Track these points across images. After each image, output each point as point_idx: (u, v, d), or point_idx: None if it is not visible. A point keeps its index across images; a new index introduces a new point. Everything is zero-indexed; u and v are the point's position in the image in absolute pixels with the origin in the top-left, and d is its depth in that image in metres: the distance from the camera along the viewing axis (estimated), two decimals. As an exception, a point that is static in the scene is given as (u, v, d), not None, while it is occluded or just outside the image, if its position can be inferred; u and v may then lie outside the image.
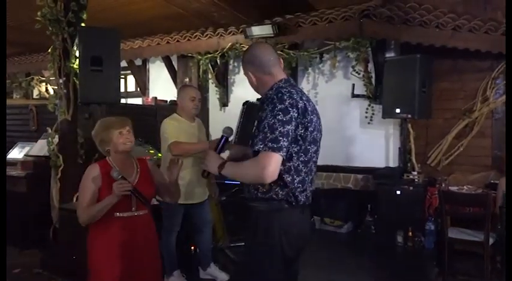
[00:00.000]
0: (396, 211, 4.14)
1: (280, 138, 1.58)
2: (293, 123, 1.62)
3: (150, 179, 2.30)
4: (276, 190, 1.69)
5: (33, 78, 7.63)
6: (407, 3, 4.40)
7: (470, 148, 4.56)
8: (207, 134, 4.04)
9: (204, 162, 1.81)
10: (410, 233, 4.13)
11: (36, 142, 4.62)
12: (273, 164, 1.58)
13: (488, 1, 4.42)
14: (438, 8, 4.32)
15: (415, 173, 4.42)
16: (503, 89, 4.40)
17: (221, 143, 1.87)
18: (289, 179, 1.66)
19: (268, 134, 1.59)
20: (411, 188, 4.15)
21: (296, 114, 1.62)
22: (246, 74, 1.85)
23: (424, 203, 4.16)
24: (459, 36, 4.07)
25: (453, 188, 3.93)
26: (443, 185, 4.16)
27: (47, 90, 7.52)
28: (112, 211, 2.14)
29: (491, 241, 3.38)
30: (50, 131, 3.76)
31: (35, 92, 7.92)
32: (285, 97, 1.64)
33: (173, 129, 3.15)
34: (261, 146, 1.59)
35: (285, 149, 1.59)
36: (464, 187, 3.94)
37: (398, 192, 4.14)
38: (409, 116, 4.25)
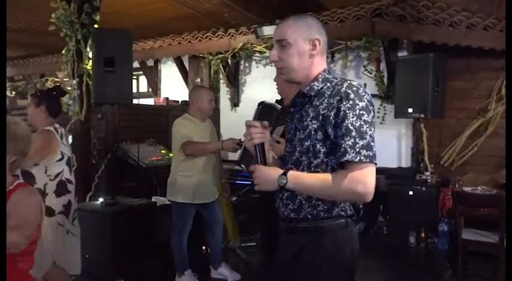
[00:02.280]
0: (409, 212, 4.09)
1: (372, 143, 1.31)
2: (374, 125, 1.35)
3: None
4: (342, 205, 1.40)
5: (47, 80, 7.73)
6: (420, 2, 4.35)
7: (484, 148, 4.49)
8: (218, 134, 4.06)
9: (255, 181, 1.42)
10: (423, 234, 4.09)
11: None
12: (372, 177, 1.30)
13: (503, -1, 4.36)
14: (451, 6, 4.27)
15: (428, 173, 4.37)
16: (518, 88, 4.33)
17: (259, 152, 1.46)
18: None
19: (358, 140, 1.29)
20: (424, 188, 4.11)
21: (372, 116, 1.36)
22: (304, 41, 1.42)
23: (437, 204, 4.11)
24: (473, 34, 4.01)
25: (467, 189, 3.87)
26: (456, 186, 4.10)
27: (60, 91, 7.61)
28: None
29: (505, 242, 3.33)
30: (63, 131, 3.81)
31: (49, 93, 8.02)
32: (362, 92, 1.35)
33: (185, 129, 3.17)
34: (353, 155, 1.28)
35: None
36: (478, 188, 3.88)
37: (410, 192, 4.10)
38: (422, 115, 4.20)
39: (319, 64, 1.47)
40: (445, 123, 4.62)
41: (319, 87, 1.43)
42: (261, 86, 5.51)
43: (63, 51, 3.69)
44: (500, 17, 4.06)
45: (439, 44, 4.15)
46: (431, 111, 4.14)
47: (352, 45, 4.77)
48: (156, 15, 5.27)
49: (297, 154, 1.43)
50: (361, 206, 1.46)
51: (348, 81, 1.39)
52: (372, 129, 1.34)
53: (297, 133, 1.45)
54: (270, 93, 2.92)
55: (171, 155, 3.78)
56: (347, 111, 1.32)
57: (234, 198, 4.36)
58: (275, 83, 2.55)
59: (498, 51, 4.04)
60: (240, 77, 6.01)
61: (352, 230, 1.46)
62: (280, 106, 2.53)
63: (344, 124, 1.31)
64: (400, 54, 4.63)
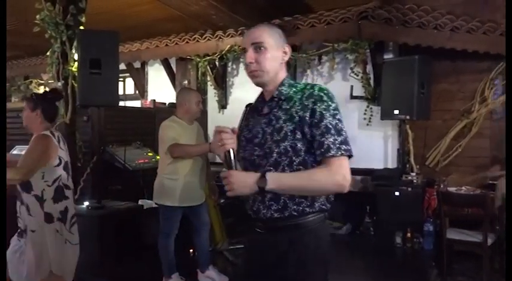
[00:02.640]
0: (395, 212, 4.14)
1: (348, 139, 1.44)
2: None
3: None
4: (321, 200, 1.49)
5: (31, 82, 7.62)
6: (405, 5, 4.41)
7: (468, 149, 4.56)
8: (206, 136, 4.04)
9: (230, 187, 1.40)
10: (409, 234, 4.13)
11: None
12: (348, 169, 1.41)
13: (487, 2, 4.43)
14: (436, 9, 4.34)
15: (414, 174, 4.42)
16: (501, 90, 4.41)
17: (232, 157, 1.45)
18: None
19: (337, 136, 1.41)
20: (410, 189, 4.16)
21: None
22: (277, 48, 1.52)
23: (423, 204, 4.16)
24: (457, 37, 4.08)
25: (452, 189, 3.93)
26: (441, 186, 4.16)
27: (45, 93, 7.50)
28: None
29: (489, 241, 3.38)
30: (48, 134, 3.75)
31: (34, 95, 7.90)
32: (331, 95, 1.48)
33: (173, 131, 3.15)
34: (336, 151, 1.39)
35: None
36: (463, 188, 3.94)
37: (397, 193, 4.15)
38: (408, 117, 4.26)
39: (283, 71, 1.58)
40: (430, 124, 4.68)
41: (287, 92, 1.53)
42: (248, 88, 5.41)
43: (48, 53, 3.64)
44: (484, 20, 4.14)
45: (425, 47, 4.21)
46: (417, 113, 4.20)
47: (339, 48, 4.81)
48: (142, 17, 5.24)
49: (274, 155, 1.47)
50: (332, 198, 1.54)
51: (317, 85, 1.51)
52: (344, 126, 1.47)
53: (269, 137, 1.50)
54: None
55: (158, 157, 3.76)
56: (323, 112, 1.43)
57: (222, 200, 4.34)
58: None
59: (482, 54, 4.12)
60: (227, 79, 6.01)
61: (326, 225, 1.58)
62: None
63: (322, 123, 1.42)
64: (386, 56, 4.69)
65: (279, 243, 1.49)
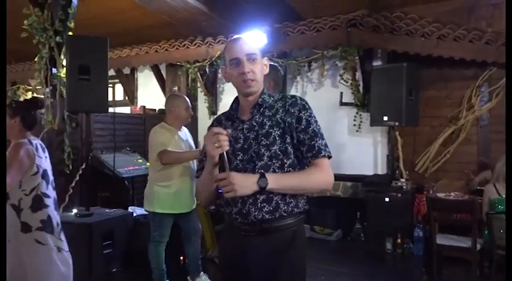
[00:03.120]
0: (385, 218, 4.16)
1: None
2: None
3: None
4: (302, 200, 1.62)
5: (19, 88, 7.52)
6: (393, 13, 4.48)
7: (456, 155, 4.62)
8: (196, 143, 4.03)
9: (231, 188, 1.42)
10: (399, 240, 4.15)
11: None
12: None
13: (472, 11, 4.53)
14: (423, 17, 4.40)
15: (403, 180, 4.46)
16: (487, 97, 4.49)
17: (225, 159, 1.46)
18: None
19: (322, 140, 1.57)
20: (399, 195, 4.19)
21: None
22: (258, 62, 1.60)
23: (413, 210, 4.19)
24: (444, 45, 4.15)
25: (440, 195, 3.97)
26: (430, 192, 4.20)
27: (33, 99, 7.42)
28: None
29: (478, 246, 3.42)
30: (36, 140, 3.70)
31: (21, 101, 7.81)
32: (309, 105, 1.63)
33: (162, 137, 3.13)
34: (326, 152, 1.56)
35: None
36: (452, 194, 3.99)
37: (387, 199, 4.17)
38: (397, 123, 4.30)
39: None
40: (419, 131, 4.73)
41: (268, 101, 1.64)
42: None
43: (36, 59, 3.60)
44: (470, 28, 4.22)
45: (412, 54, 4.27)
46: (406, 120, 4.24)
47: (328, 55, 4.85)
48: (132, 23, 5.22)
49: (265, 158, 1.55)
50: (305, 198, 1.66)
51: (297, 96, 1.66)
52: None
53: (253, 142, 1.57)
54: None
55: (148, 164, 3.73)
56: (309, 119, 1.58)
57: (212, 207, 4.32)
58: None
59: (468, 61, 4.19)
60: (217, 86, 6.02)
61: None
62: None
63: (310, 129, 1.56)
64: (375, 63, 4.73)
65: (272, 244, 1.54)
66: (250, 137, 1.58)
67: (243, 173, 1.53)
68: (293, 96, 1.64)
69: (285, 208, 1.54)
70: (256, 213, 1.52)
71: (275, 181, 1.48)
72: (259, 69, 1.60)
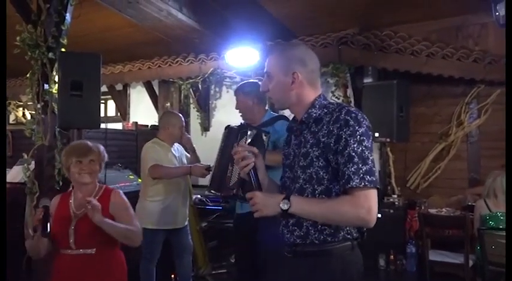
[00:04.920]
0: (378, 234, 4.11)
1: (374, 168, 1.34)
2: (372, 149, 1.39)
3: (107, 215, 2.01)
4: (347, 229, 1.42)
5: (10, 103, 7.48)
6: (382, 32, 4.57)
7: (447, 171, 4.66)
8: (187, 159, 4.01)
9: (256, 208, 1.40)
10: (392, 257, 4.14)
11: (11, 168, 4.49)
12: (375, 202, 1.33)
13: (460, 30, 4.64)
14: (413, 36, 4.50)
15: (395, 196, 4.47)
16: (476, 114, 4.56)
17: (253, 177, 1.46)
18: None
19: (361, 165, 1.31)
20: (392, 211, 4.19)
21: (371, 139, 1.39)
22: (285, 74, 1.47)
23: (405, 226, 4.19)
24: (433, 63, 4.23)
25: (432, 211, 3.98)
26: (422, 208, 4.21)
27: (24, 115, 7.38)
28: (59, 247, 2.01)
29: (470, 263, 3.42)
30: (26, 157, 3.66)
31: (11, 117, 7.76)
32: (360, 118, 1.37)
33: (155, 153, 3.12)
34: (358, 182, 1.30)
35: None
36: (443, 210, 4.00)
37: (379, 215, 4.15)
38: (388, 140, 4.33)
39: (310, 92, 1.51)
40: (410, 147, 4.78)
41: (317, 114, 1.46)
42: (231, 110, 5.44)
43: (28, 75, 3.59)
44: (458, 46, 4.31)
45: (402, 71, 4.34)
46: (397, 136, 4.28)
47: (320, 72, 4.90)
48: (125, 40, 5.25)
49: (300, 181, 1.44)
50: (365, 229, 1.48)
51: (346, 108, 1.41)
52: (372, 154, 1.37)
53: (297, 160, 1.47)
54: (240, 118, 2.95)
55: (139, 180, 3.70)
56: (348, 139, 1.34)
57: (204, 224, 4.28)
58: (237, 110, 2.80)
59: (456, 79, 4.27)
60: (210, 102, 6.03)
61: (358, 253, 1.49)
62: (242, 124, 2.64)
63: (346, 151, 1.33)
64: (365, 80, 4.80)
65: (300, 268, 1.45)
66: (296, 154, 1.48)
67: (287, 191, 1.46)
68: (340, 109, 1.41)
69: (316, 235, 1.41)
70: (288, 236, 1.47)
71: (297, 205, 1.36)
72: (273, 86, 1.50)
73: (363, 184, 1.31)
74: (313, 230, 1.41)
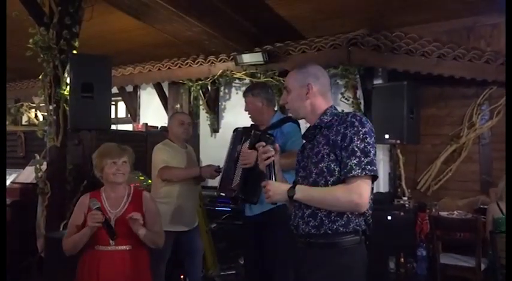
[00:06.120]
0: (387, 237, 4.10)
1: (375, 161, 1.56)
2: (375, 146, 1.61)
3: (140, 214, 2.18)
4: (356, 220, 1.59)
5: (22, 105, 7.59)
6: (393, 33, 4.54)
7: (458, 173, 4.60)
8: (198, 160, 4.03)
9: (268, 194, 1.63)
10: (402, 259, 4.10)
11: (23, 168, 4.55)
12: (368, 189, 1.54)
13: (472, 31, 4.59)
14: (423, 37, 4.46)
15: (406, 198, 4.43)
16: (488, 115, 4.50)
17: (270, 170, 1.70)
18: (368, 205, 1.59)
19: (363, 158, 1.53)
20: (402, 213, 4.15)
21: (374, 139, 1.61)
22: (301, 86, 1.72)
23: (415, 229, 4.15)
24: (444, 64, 4.19)
25: (443, 214, 3.94)
26: (433, 210, 4.17)
27: (36, 116, 7.48)
28: (93, 244, 2.11)
29: (482, 266, 3.37)
30: (38, 157, 3.71)
31: (24, 119, 7.87)
32: (364, 121, 1.60)
33: (165, 154, 3.14)
34: (359, 171, 1.51)
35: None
36: (455, 212, 3.96)
37: (389, 217, 4.14)
38: (398, 141, 4.30)
39: (322, 102, 1.74)
40: (420, 149, 4.73)
41: (328, 120, 1.70)
42: (240, 112, 5.44)
43: (40, 77, 3.64)
44: (469, 47, 4.26)
45: (413, 73, 4.31)
46: (407, 138, 4.24)
47: (329, 73, 4.86)
48: (136, 42, 5.30)
49: (314, 175, 1.64)
50: (371, 220, 1.65)
51: (352, 113, 1.68)
52: (374, 149, 1.58)
53: (310, 160, 1.68)
54: (249, 119, 2.96)
55: (149, 181, 3.72)
56: (352, 137, 1.56)
57: (214, 225, 4.29)
58: (247, 112, 2.85)
59: (468, 80, 4.22)
60: (219, 103, 6.05)
61: (364, 249, 1.66)
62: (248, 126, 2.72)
63: (350, 147, 1.55)
64: (375, 82, 4.77)
65: (312, 258, 1.62)
66: (310, 155, 1.70)
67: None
68: (347, 114, 1.67)
69: (329, 225, 1.58)
70: (303, 226, 1.64)
71: (302, 192, 1.59)
72: (291, 99, 1.75)
73: (364, 173, 1.52)
74: (327, 220, 1.58)
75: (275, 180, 1.67)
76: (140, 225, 2.11)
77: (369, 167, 1.52)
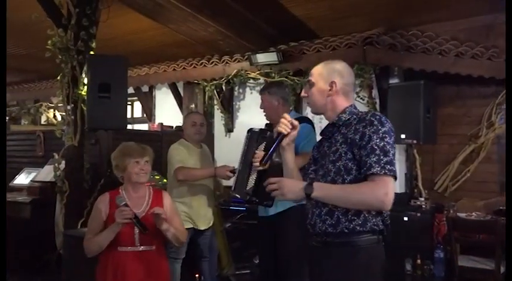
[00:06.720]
0: (404, 238, 4.05)
1: (394, 161, 1.53)
2: (395, 146, 1.58)
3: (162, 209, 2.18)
4: (374, 220, 1.57)
5: (41, 105, 7.74)
6: (409, 31, 4.47)
7: (477, 174, 4.51)
8: (213, 160, 4.04)
9: (281, 191, 1.59)
10: (419, 261, 4.04)
11: (42, 167, 4.64)
12: (392, 189, 1.51)
13: (491, 28, 4.49)
14: (440, 35, 4.39)
15: (422, 199, 4.37)
16: (508, 115, 4.41)
17: (277, 141, 1.66)
18: None
19: (382, 157, 1.50)
20: (419, 214, 4.09)
21: (394, 139, 1.59)
22: (325, 82, 1.69)
23: (432, 230, 4.09)
24: (462, 62, 4.11)
25: (461, 215, 3.87)
26: (451, 212, 4.10)
27: (54, 116, 7.63)
28: (115, 245, 2.09)
29: (502, 269, 3.30)
30: (56, 156, 3.78)
31: (43, 119, 8.03)
32: (384, 120, 1.58)
33: (180, 154, 3.16)
34: (379, 169, 1.48)
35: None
36: (473, 214, 3.88)
37: (405, 218, 4.08)
38: (415, 141, 4.24)
39: (343, 100, 1.71)
40: (437, 149, 4.65)
41: (347, 118, 1.67)
42: (255, 111, 5.47)
43: (58, 77, 3.71)
44: (488, 45, 4.17)
45: (429, 72, 4.24)
46: (424, 138, 4.18)
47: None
48: (151, 42, 5.35)
49: (332, 174, 1.61)
50: (388, 221, 1.62)
51: (372, 112, 1.68)
52: (394, 150, 1.55)
53: (327, 158, 1.66)
54: (264, 119, 2.96)
55: (165, 181, 3.75)
56: (372, 135, 1.54)
57: (228, 224, 4.30)
58: (262, 110, 2.85)
59: (487, 79, 4.14)
60: (234, 103, 6.06)
61: (382, 248, 1.64)
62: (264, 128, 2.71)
63: (369, 145, 1.52)
64: (391, 81, 4.71)
65: (328, 257, 1.59)
66: (327, 153, 1.68)
67: None
68: (367, 113, 1.65)
69: (346, 223, 1.55)
70: (320, 225, 1.61)
71: (320, 190, 1.54)
72: (313, 93, 1.72)
73: (383, 171, 1.48)
74: (343, 219, 1.55)
75: (270, 158, 1.64)
76: (163, 220, 2.09)
77: (388, 166, 1.49)
